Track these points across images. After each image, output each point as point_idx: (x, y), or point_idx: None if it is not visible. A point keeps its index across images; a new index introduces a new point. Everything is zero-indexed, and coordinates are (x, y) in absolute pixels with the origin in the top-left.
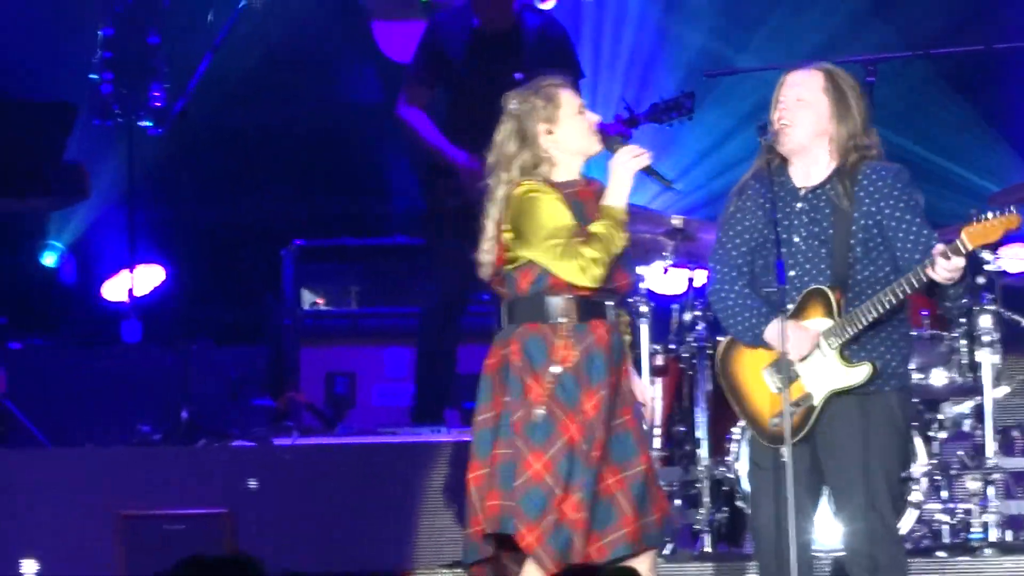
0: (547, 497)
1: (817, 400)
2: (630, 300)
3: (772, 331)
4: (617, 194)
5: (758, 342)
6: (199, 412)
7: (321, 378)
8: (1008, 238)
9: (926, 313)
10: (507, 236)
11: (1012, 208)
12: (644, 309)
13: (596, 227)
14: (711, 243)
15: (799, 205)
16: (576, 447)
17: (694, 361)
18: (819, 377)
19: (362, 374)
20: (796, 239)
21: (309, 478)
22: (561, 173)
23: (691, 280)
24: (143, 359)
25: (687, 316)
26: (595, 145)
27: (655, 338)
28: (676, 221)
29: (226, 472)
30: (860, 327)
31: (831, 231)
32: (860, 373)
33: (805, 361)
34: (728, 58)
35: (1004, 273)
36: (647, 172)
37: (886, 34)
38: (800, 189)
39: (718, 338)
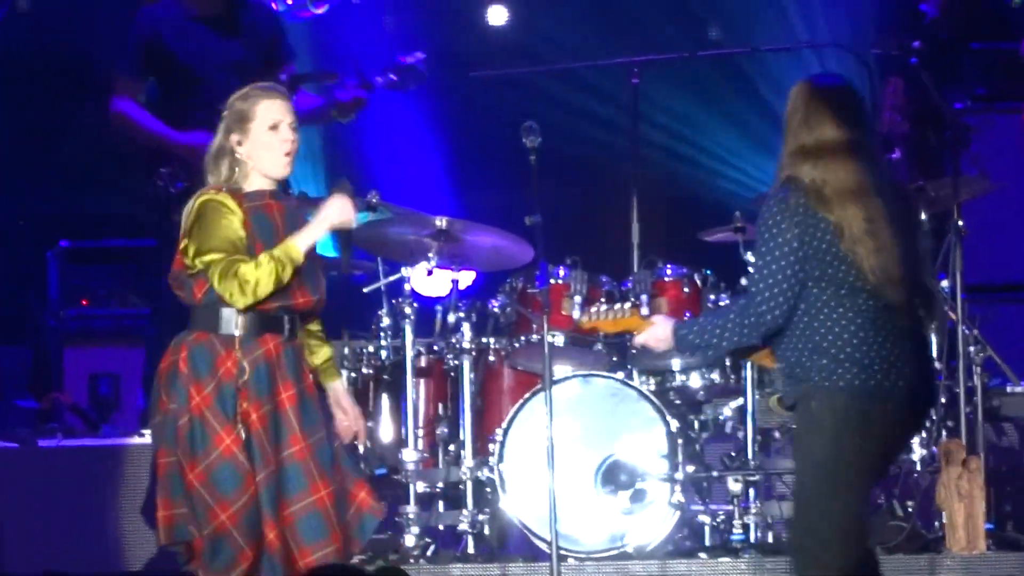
0: (204, 508)
1: None
2: (395, 301)
3: None
4: (305, 236)
5: None
6: None
7: (85, 379)
8: None
9: (689, 315)
10: (184, 243)
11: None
12: (408, 310)
13: (268, 254)
14: (475, 244)
15: None
16: (233, 458)
17: (457, 362)
18: None
19: (126, 375)
20: None
21: (73, 480)
22: (253, 183)
23: (455, 282)
24: None
25: (451, 317)
26: (280, 170)
27: (419, 339)
28: (440, 223)
29: None
30: None
31: None
32: None
33: None
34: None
35: None
36: (337, 237)
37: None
38: None
39: (483, 339)
